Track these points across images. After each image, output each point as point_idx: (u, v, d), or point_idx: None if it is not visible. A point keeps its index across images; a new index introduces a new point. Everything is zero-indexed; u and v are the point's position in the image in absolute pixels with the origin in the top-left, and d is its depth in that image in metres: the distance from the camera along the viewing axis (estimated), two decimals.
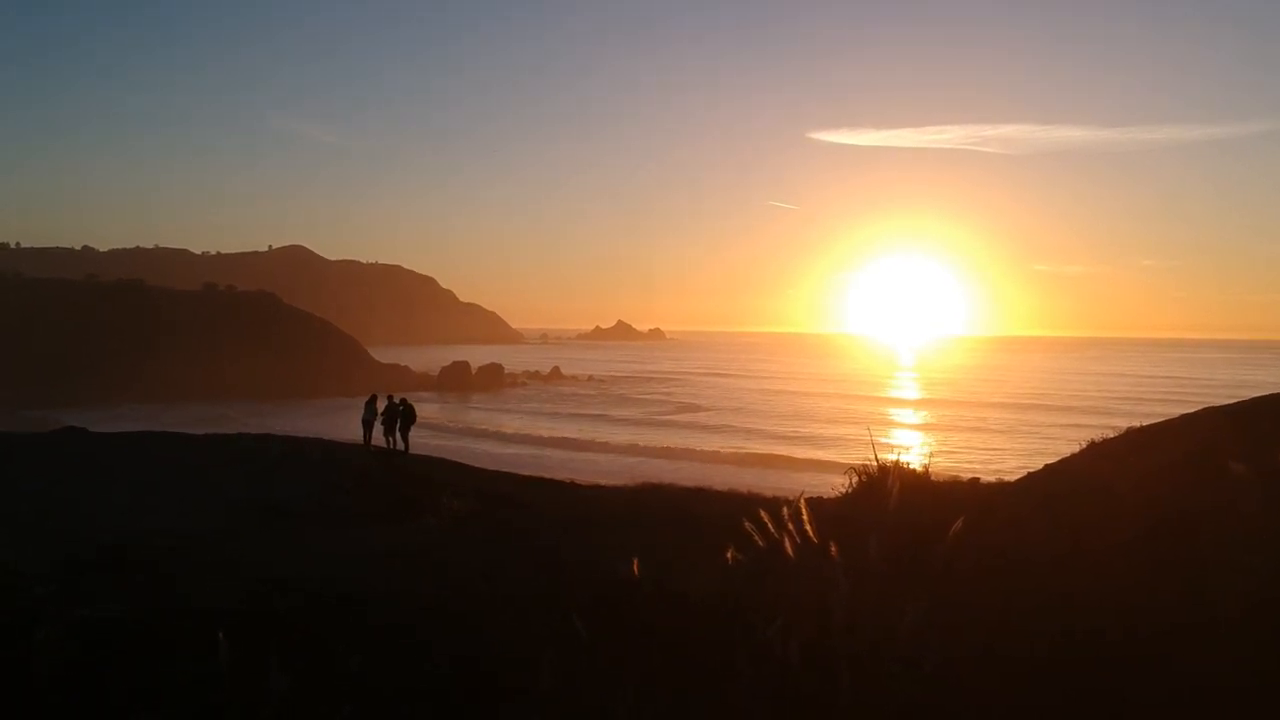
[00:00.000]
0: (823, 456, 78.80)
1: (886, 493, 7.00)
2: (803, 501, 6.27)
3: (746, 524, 7.03)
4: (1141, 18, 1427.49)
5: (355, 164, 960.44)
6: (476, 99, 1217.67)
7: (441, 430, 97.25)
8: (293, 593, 7.97)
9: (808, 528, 6.38)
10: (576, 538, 9.57)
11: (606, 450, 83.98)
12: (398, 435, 26.99)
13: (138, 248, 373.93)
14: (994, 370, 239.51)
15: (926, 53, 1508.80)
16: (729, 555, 6.20)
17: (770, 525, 6.93)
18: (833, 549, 6.29)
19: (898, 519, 7.29)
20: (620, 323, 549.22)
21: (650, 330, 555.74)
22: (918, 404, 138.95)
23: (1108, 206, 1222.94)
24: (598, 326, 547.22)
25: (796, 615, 6.29)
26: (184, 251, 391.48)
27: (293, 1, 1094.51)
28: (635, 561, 6.35)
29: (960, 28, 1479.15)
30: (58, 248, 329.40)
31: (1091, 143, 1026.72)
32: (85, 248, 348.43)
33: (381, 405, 27.40)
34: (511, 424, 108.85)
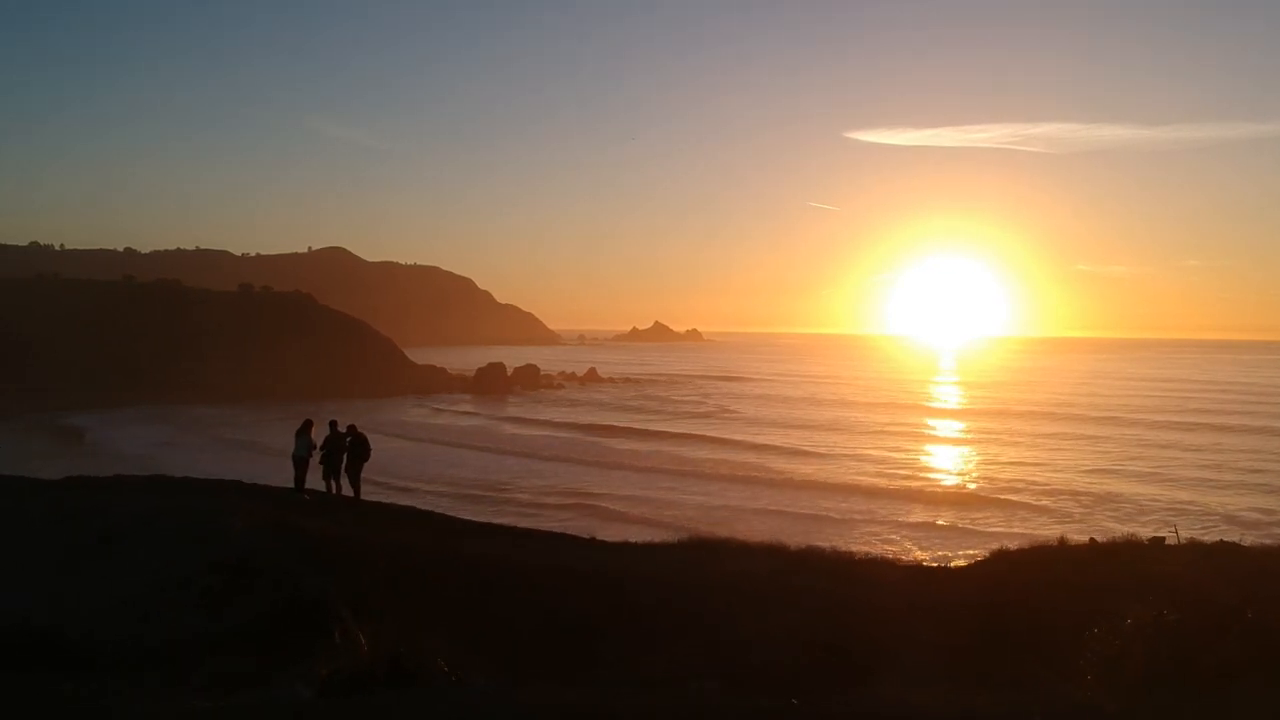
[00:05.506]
0: (892, 482, 72.07)
1: None
2: None
3: None
4: (1185, 14, 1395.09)
5: (395, 166, 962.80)
6: (513, 100, 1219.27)
7: (464, 446, 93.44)
8: None
9: None
10: None
11: (643, 470, 77.07)
12: (344, 477, 20.24)
13: (179, 249, 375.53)
14: (1040, 373, 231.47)
15: (966, 51, 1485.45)
16: None
17: None
18: None
19: None
20: (657, 324, 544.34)
21: (688, 331, 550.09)
22: (976, 414, 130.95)
23: (1152, 206, 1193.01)
24: (635, 328, 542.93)
25: None
26: (225, 253, 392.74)
27: (331, 3, 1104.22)
28: None
29: (1000, 25, 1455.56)
30: (101, 249, 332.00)
31: (1136, 141, 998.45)
32: (127, 249, 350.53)
33: (320, 436, 20.47)
34: (541, 433, 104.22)
